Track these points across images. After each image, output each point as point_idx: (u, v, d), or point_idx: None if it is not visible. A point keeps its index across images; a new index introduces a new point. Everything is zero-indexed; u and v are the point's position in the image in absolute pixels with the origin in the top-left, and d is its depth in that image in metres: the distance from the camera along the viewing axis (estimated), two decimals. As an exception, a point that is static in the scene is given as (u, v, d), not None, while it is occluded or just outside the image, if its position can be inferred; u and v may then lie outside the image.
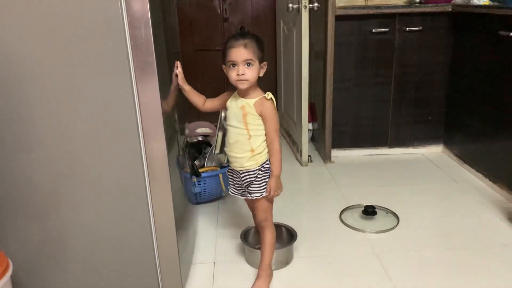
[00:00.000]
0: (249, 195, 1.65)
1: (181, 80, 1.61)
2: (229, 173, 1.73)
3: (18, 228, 1.45)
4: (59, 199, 1.43)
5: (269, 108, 1.56)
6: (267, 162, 1.62)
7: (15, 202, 1.42)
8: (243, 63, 1.51)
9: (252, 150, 1.58)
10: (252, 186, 1.63)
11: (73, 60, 1.29)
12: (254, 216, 1.73)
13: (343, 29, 2.73)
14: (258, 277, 1.69)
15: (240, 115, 1.57)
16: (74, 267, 1.53)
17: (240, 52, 1.50)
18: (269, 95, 1.57)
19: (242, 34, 1.54)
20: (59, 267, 1.52)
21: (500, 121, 2.35)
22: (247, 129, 1.57)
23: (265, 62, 1.57)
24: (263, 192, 1.62)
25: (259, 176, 1.61)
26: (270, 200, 1.65)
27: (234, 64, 1.52)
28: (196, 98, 1.66)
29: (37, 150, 1.37)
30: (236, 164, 1.63)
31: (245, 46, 1.50)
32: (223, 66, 1.59)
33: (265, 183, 1.62)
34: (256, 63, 1.52)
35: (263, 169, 1.61)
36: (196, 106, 1.68)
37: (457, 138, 2.84)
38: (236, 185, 1.71)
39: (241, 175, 1.63)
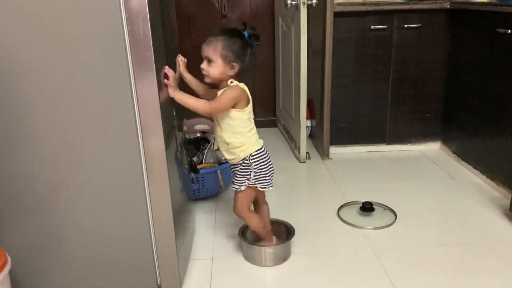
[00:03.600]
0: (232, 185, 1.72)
1: (182, 67, 1.64)
2: None
3: (17, 224, 1.45)
4: (57, 195, 1.43)
5: (226, 92, 1.56)
6: (246, 159, 1.65)
7: (13, 198, 1.42)
8: (205, 59, 1.56)
9: (227, 143, 1.63)
10: (234, 177, 1.70)
11: (71, 56, 1.29)
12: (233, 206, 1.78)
13: (341, 26, 2.73)
14: (261, 240, 1.83)
15: None
16: (72, 263, 1.53)
17: (204, 48, 1.56)
18: (233, 82, 1.57)
19: (216, 31, 1.57)
20: (57, 263, 1.52)
21: (497, 118, 2.36)
22: (217, 121, 1.64)
23: (234, 64, 1.55)
24: (241, 185, 1.68)
25: (241, 170, 1.68)
26: (244, 195, 1.70)
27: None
28: (199, 87, 1.71)
29: (35, 145, 1.37)
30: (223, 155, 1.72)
31: (208, 43, 1.55)
32: None
33: (243, 178, 1.67)
34: (217, 62, 1.54)
35: (244, 165, 1.66)
36: (199, 94, 1.71)
37: (454, 135, 2.85)
38: None
39: (231, 166, 1.73)
